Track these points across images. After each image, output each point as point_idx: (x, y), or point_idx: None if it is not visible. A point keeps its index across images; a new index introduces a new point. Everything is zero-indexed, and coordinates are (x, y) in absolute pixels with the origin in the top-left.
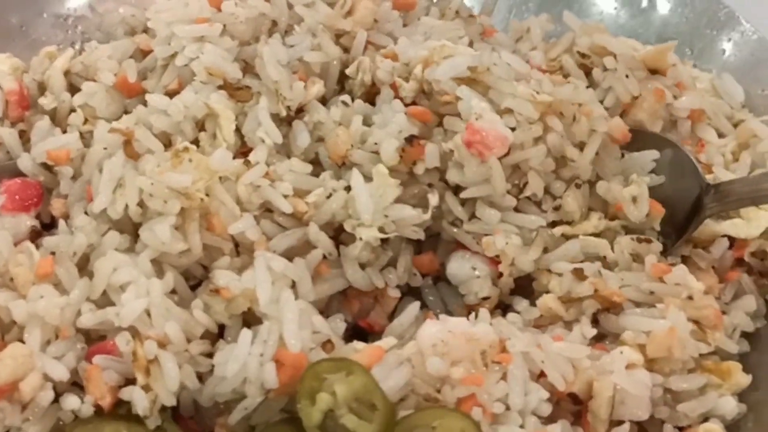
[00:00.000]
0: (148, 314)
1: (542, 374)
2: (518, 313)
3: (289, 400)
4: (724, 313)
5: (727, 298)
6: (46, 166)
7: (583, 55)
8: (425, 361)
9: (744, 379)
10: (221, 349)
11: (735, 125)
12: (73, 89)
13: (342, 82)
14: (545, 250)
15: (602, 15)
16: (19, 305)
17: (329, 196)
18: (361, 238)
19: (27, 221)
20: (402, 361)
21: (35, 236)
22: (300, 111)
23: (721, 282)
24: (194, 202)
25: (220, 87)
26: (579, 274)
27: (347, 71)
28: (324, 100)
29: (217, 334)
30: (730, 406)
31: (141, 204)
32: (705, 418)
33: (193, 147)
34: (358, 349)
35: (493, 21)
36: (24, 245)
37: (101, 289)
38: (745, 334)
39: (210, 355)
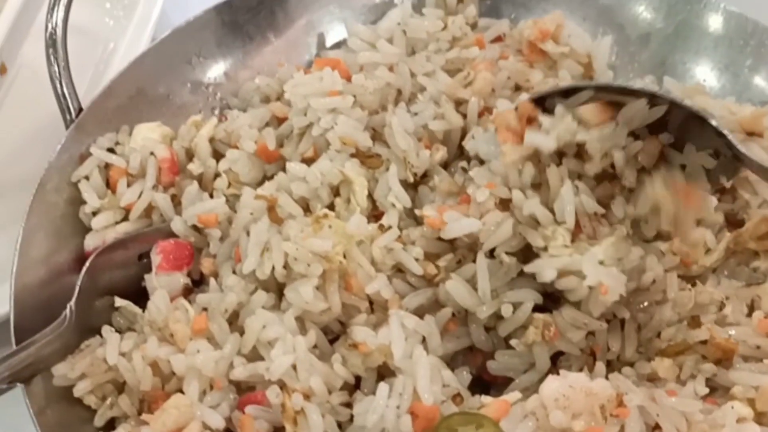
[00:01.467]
0: (294, 368)
1: (657, 427)
2: (632, 366)
3: None
4: None
5: None
6: (196, 228)
7: None
8: (548, 414)
9: None
10: (360, 400)
11: None
12: (217, 155)
13: (462, 147)
14: None
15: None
16: (179, 359)
17: (459, 261)
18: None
19: (180, 279)
20: (527, 414)
21: (187, 293)
22: (425, 176)
23: None
24: (334, 264)
25: (352, 155)
26: (695, 321)
27: (463, 143)
28: (446, 164)
29: (354, 385)
30: None
31: (286, 266)
32: None
33: (332, 213)
34: (485, 403)
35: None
36: (179, 302)
37: (251, 344)
38: None
39: (348, 405)
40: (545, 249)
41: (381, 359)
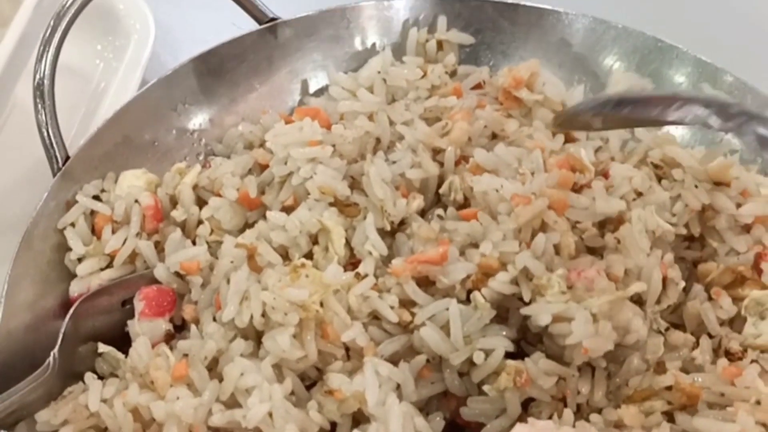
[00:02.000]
0: (271, 416)
1: None
2: (599, 413)
3: None
4: None
5: None
6: (179, 275)
7: (656, 166)
8: None
9: None
10: None
11: None
12: (201, 201)
13: (438, 194)
14: None
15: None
16: (159, 406)
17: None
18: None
19: (163, 325)
20: None
21: (169, 338)
22: (402, 223)
23: None
24: (310, 313)
25: (331, 204)
26: (661, 368)
27: (440, 191)
28: (423, 212)
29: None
30: None
31: (264, 314)
32: None
33: (309, 262)
34: None
35: None
36: (160, 348)
37: (230, 391)
38: None
39: None
40: (541, 295)
41: (356, 406)
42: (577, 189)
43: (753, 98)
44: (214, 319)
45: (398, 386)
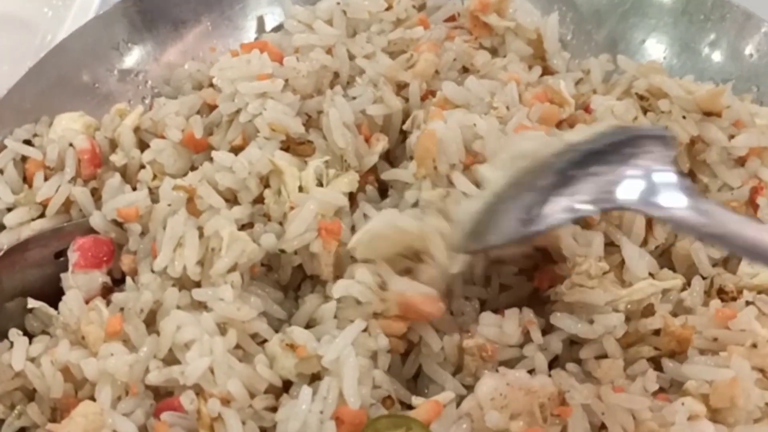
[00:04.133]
0: (212, 372)
1: (603, 426)
2: (579, 363)
3: None
4: None
5: None
6: (117, 223)
7: (641, 97)
8: (484, 416)
9: None
10: (284, 405)
11: None
12: (143, 145)
13: (404, 132)
14: None
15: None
16: (90, 363)
17: None
18: None
19: (99, 278)
20: (461, 416)
21: (107, 292)
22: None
23: None
24: None
25: (283, 142)
26: (648, 310)
27: (404, 126)
28: (388, 153)
29: (282, 389)
30: None
31: (201, 263)
32: None
33: None
34: (416, 405)
35: None
36: (94, 303)
37: (167, 347)
38: None
39: (275, 410)
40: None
41: (318, 367)
42: (557, 124)
43: (744, 21)
44: (152, 270)
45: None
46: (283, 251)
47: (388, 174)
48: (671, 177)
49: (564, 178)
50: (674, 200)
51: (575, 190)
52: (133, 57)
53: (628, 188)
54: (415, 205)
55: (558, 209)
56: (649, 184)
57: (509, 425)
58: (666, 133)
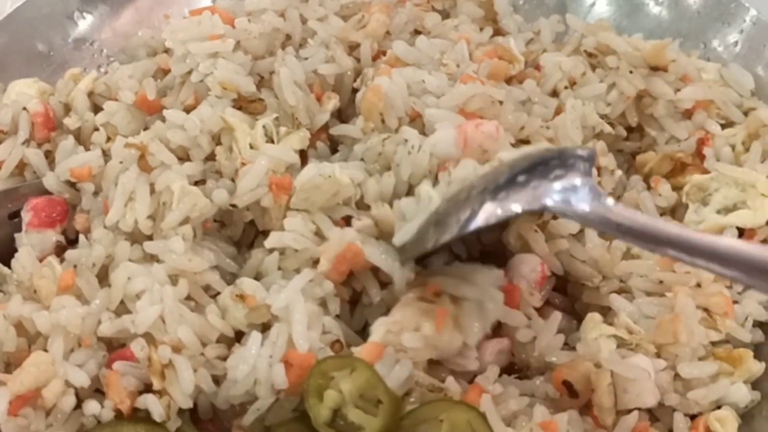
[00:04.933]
0: (163, 320)
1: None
2: None
3: (300, 399)
4: (735, 302)
5: (739, 287)
6: (71, 184)
7: (590, 54)
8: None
9: (756, 367)
10: (234, 352)
11: (745, 113)
12: (97, 109)
13: (355, 90)
14: None
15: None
16: (42, 316)
17: None
18: None
19: (53, 237)
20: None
21: (61, 251)
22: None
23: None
24: None
25: (234, 100)
26: None
27: (354, 85)
28: (340, 111)
29: (235, 339)
30: (742, 393)
31: (152, 217)
32: (717, 406)
33: None
34: (355, 351)
35: None
36: (47, 260)
37: (119, 298)
38: (759, 324)
39: (227, 359)
40: None
41: (267, 316)
42: (507, 81)
43: (735, 7)
44: (105, 226)
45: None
46: (234, 206)
47: (337, 129)
48: (586, 185)
49: (496, 188)
50: (583, 202)
51: (506, 195)
52: (87, 25)
53: (551, 194)
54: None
55: (491, 209)
56: (567, 191)
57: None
58: (588, 152)
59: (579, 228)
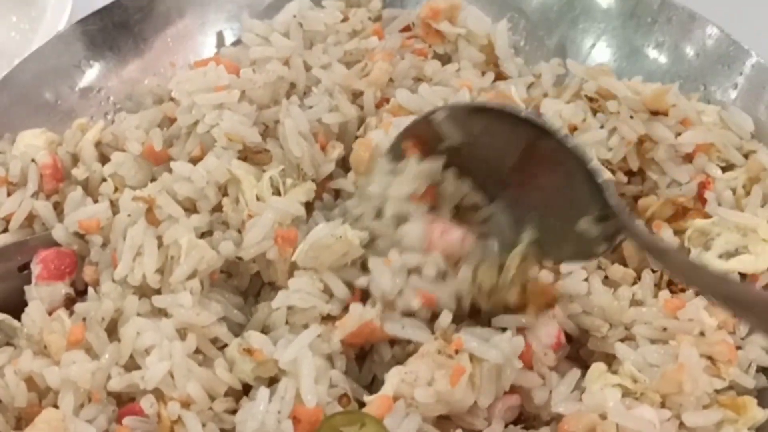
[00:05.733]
0: (171, 376)
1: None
2: None
3: None
4: (739, 348)
5: (742, 333)
6: (79, 235)
7: (591, 99)
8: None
9: (760, 414)
10: (243, 407)
11: (746, 156)
12: (105, 159)
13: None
14: None
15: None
16: (52, 371)
17: None
18: None
19: (62, 289)
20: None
21: (70, 303)
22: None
23: (734, 317)
24: None
25: (240, 151)
26: None
27: (358, 133)
28: (344, 159)
29: (243, 392)
30: None
31: (160, 271)
32: None
33: None
34: (368, 401)
35: None
36: (57, 313)
37: (128, 353)
38: (762, 369)
39: (235, 413)
40: None
41: (274, 370)
42: None
43: (687, 21)
44: (114, 280)
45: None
46: (240, 259)
47: (335, 183)
48: None
49: None
50: None
51: None
52: (94, 74)
53: None
54: None
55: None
56: None
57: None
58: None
59: (587, 289)
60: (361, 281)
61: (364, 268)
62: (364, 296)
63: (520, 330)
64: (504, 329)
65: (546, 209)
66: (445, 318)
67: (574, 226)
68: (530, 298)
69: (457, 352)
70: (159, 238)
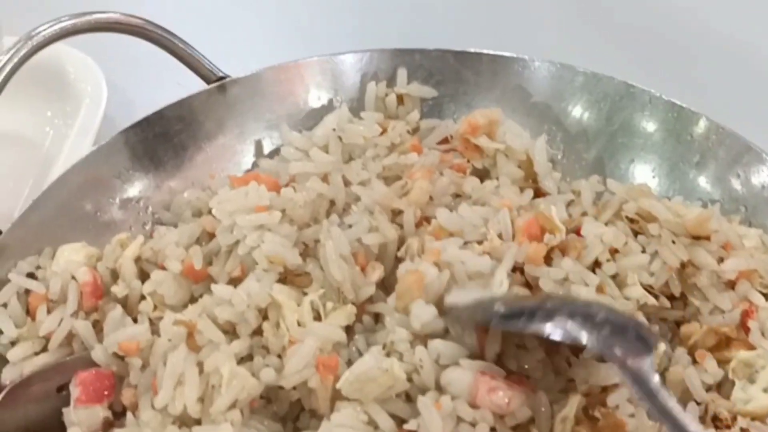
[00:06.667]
0: None
1: None
2: None
3: None
4: None
5: None
6: (118, 356)
7: (631, 220)
8: None
9: None
10: None
11: None
12: (144, 275)
13: (398, 259)
14: None
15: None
16: None
17: None
18: None
19: (101, 413)
20: None
21: (108, 426)
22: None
23: None
24: None
25: (280, 273)
26: None
27: (398, 254)
28: (384, 281)
29: None
30: None
31: (202, 400)
32: None
33: None
34: None
35: None
36: None
37: None
38: None
39: None
40: None
41: None
42: (548, 251)
43: (731, 142)
44: (153, 406)
45: None
46: (281, 387)
47: (374, 308)
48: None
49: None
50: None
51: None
52: (134, 185)
53: None
54: None
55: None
56: None
57: None
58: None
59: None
60: (412, 425)
61: (408, 398)
62: None
63: None
64: None
65: None
66: None
67: None
68: None
69: None
70: (200, 364)
